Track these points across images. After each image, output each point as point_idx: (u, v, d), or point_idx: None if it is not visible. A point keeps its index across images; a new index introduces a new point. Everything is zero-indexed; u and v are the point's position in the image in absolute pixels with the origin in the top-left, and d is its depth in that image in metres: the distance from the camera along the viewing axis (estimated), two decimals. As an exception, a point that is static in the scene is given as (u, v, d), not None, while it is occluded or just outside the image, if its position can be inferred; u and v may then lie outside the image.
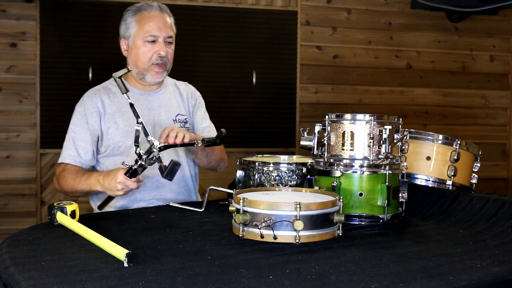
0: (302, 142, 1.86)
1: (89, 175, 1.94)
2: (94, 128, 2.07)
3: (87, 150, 2.06)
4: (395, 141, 1.74)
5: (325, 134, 1.76)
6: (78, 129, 2.08)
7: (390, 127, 1.72)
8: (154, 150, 1.69)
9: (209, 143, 1.79)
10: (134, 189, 1.80)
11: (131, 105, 1.72)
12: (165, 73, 2.15)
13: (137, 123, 1.71)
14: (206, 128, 2.28)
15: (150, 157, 1.70)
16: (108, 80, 2.20)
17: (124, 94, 1.73)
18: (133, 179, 1.76)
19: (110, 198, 1.92)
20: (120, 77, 1.73)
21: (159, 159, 1.70)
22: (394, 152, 1.75)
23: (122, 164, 1.75)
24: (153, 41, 2.06)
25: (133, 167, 1.73)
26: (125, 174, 1.75)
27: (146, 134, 1.71)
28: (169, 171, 1.65)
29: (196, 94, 2.33)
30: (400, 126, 1.77)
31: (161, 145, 1.71)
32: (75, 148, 2.06)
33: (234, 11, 4.00)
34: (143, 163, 1.70)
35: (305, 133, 1.88)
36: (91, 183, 1.90)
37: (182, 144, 1.81)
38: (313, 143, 1.81)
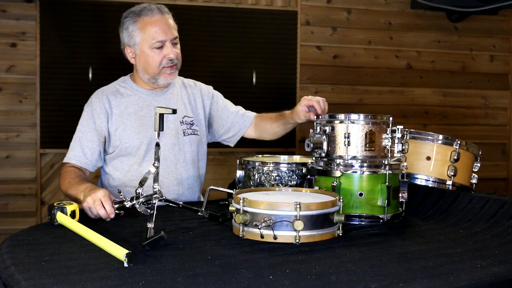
0: (310, 142, 1.76)
1: (82, 183, 1.89)
2: (101, 129, 2.07)
3: (93, 151, 2.06)
4: (395, 141, 1.73)
5: (326, 134, 1.76)
6: (85, 129, 2.08)
7: (390, 127, 1.72)
8: (155, 200, 1.56)
9: (211, 216, 1.67)
10: (101, 214, 1.66)
11: (157, 144, 1.54)
12: (176, 72, 2.14)
13: (153, 165, 1.53)
14: (239, 111, 2.31)
15: (147, 205, 1.57)
16: (116, 81, 2.20)
17: (155, 132, 1.54)
18: (108, 207, 1.65)
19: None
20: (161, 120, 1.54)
21: (152, 209, 1.49)
22: (393, 152, 1.75)
23: (119, 192, 1.67)
24: (160, 46, 2.04)
25: (125, 205, 1.62)
26: (115, 204, 1.66)
27: (155, 180, 1.56)
28: (152, 242, 1.32)
29: (210, 91, 2.32)
30: (402, 126, 1.76)
31: (163, 197, 1.60)
32: (81, 149, 2.05)
33: (234, 11, 4.00)
34: (137, 206, 1.57)
35: (314, 133, 1.81)
36: (79, 190, 1.83)
37: (184, 207, 1.71)
38: (325, 143, 1.75)
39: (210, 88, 2.35)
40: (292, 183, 1.86)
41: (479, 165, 2.01)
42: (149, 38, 2.03)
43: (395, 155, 1.74)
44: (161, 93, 2.17)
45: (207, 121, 2.29)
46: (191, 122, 2.20)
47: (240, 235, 1.45)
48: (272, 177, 1.86)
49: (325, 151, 1.74)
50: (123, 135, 2.07)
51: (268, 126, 2.28)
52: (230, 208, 1.51)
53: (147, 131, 2.07)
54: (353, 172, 1.68)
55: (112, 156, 2.10)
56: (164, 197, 1.62)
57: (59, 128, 3.72)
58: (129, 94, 2.13)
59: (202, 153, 2.26)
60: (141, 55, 2.07)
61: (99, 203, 1.66)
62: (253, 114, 2.34)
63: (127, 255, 1.18)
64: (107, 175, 2.13)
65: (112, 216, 1.66)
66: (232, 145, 2.39)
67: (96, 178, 2.30)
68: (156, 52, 2.04)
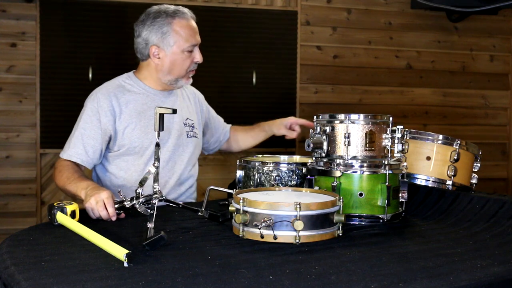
0: (310, 142, 1.76)
1: (82, 179, 1.88)
2: (106, 127, 2.02)
3: (95, 149, 2.02)
4: (395, 141, 1.73)
5: (326, 134, 1.76)
6: (89, 126, 2.02)
7: (390, 127, 1.72)
8: (155, 200, 1.57)
9: (211, 216, 1.67)
10: (103, 216, 1.66)
11: (157, 144, 1.55)
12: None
13: (153, 165, 1.54)
14: (223, 124, 2.46)
15: (147, 205, 1.58)
16: (119, 77, 2.16)
17: (155, 132, 1.54)
18: (111, 209, 1.65)
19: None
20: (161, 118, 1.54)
21: (152, 209, 1.49)
22: (393, 152, 1.75)
23: (118, 192, 1.67)
24: (191, 50, 2.08)
25: (125, 205, 1.63)
26: (115, 204, 1.66)
27: (155, 180, 1.57)
28: (152, 242, 1.32)
29: (201, 97, 2.38)
30: (402, 126, 1.76)
31: (163, 197, 1.61)
32: (83, 146, 2.00)
33: (234, 11, 4.00)
34: (137, 206, 1.58)
35: (314, 133, 1.81)
36: (79, 187, 1.82)
37: (184, 207, 1.72)
38: (325, 143, 1.75)
39: (202, 96, 2.40)
40: (292, 183, 1.86)
41: (479, 165, 2.01)
42: (183, 41, 2.04)
43: (395, 155, 1.74)
44: (168, 94, 2.17)
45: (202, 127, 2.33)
46: (193, 125, 2.21)
47: (240, 235, 1.45)
48: (272, 177, 1.86)
49: (325, 151, 1.74)
50: (132, 135, 2.04)
51: (240, 137, 2.44)
52: (230, 208, 1.51)
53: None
54: (353, 172, 1.68)
55: (116, 155, 2.07)
56: (164, 197, 1.62)
57: (59, 128, 3.71)
58: (136, 92, 2.10)
59: (198, 155, 2.28)
60: (171, 56, 2.06)
61: (102, 205, 1.65)
62: (229, 126, 2.48)
63: (127, 255, 1.18)
64: (108, 174, 2.10)
65: (114, 219, 1.66)
66: (206, 153, 2.50)
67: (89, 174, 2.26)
68: (187, 55, 2.06)
